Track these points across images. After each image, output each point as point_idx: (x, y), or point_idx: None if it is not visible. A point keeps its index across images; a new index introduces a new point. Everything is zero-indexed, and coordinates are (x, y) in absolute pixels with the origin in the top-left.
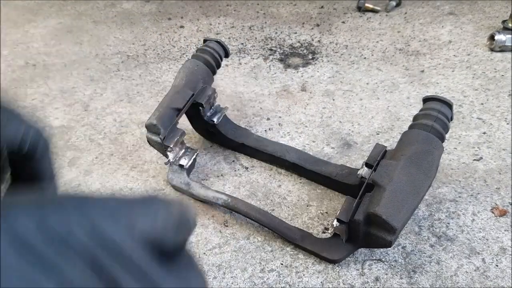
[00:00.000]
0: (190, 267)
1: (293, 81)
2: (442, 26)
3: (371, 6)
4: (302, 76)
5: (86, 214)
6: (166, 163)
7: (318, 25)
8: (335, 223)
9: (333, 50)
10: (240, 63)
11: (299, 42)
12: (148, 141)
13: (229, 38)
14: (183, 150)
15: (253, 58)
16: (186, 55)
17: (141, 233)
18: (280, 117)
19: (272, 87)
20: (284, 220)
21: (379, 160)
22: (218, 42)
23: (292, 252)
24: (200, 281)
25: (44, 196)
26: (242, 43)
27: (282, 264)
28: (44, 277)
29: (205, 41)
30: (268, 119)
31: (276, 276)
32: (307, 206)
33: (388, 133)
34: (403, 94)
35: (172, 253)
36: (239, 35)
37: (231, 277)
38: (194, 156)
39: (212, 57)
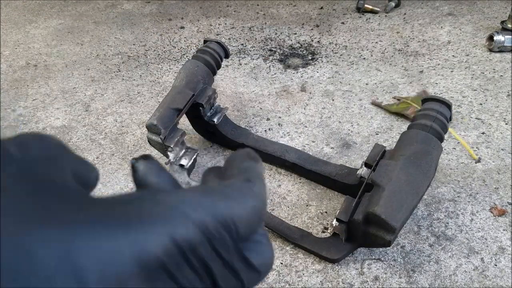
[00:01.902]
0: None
1: (293, 82)
2: (441, 27)
3: (370, 7)
4: (301, 77)
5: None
6: (166, 163)
7: (317, 26)
8: (335, 222)
9: (332, 50)
10: (240, 64)
11: (298, 42)
12: (148, 141)
13: (229, 38)
14: (183, 150)
15: (253, 59)
16: (187, 56)
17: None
18: (280, 117)
19: (272, 87)
20: (283, 219)
21: (378, 160)
22: (218, 43)
23: (291, 252)
24: (269, 253)
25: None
26: (242, 44)
27: (281, 263)
28: None
29: (205, 41)
30: (268, 119)
31: (276, 275)
32: (307, 205)
33: (387, 133)
34: (402, 95)
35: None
36: (239, 35)
37: None
38: (195, 156)
39: (212, 57)
